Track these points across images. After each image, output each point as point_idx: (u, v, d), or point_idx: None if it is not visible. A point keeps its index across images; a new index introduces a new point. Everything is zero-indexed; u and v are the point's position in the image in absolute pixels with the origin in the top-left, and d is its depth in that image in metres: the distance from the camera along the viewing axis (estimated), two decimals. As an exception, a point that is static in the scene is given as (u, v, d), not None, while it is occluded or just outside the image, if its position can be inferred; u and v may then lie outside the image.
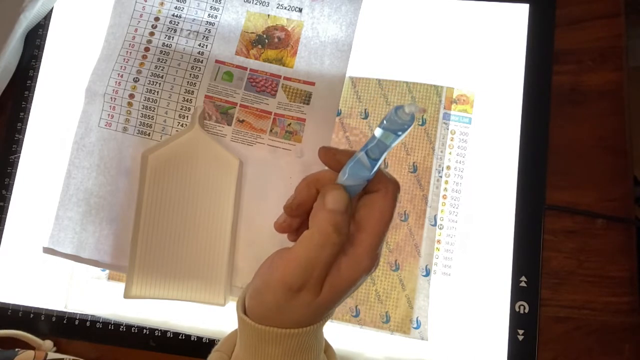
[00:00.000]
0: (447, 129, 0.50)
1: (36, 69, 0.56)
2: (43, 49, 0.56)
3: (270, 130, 0.50)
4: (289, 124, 0.50)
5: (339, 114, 0.51)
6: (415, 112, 0.29)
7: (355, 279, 0.32)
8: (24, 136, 0.55)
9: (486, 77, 0.50)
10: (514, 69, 0.50)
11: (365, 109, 0.51)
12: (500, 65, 0.50)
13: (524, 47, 0.51)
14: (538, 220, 0.48)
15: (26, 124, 0.55)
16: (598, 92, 0.49)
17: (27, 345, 0.50)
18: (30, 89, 0.56)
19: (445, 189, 0.49)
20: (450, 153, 0.49)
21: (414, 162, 0.49)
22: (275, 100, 0.50)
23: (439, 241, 0.48)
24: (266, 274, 0.33)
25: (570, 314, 0.47)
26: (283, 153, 0.50)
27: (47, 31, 0.57)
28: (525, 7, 0.51)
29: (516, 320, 0.47)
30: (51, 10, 0.57)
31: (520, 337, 0.47)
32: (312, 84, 0.51)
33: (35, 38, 0.57)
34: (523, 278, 0.47)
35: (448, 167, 0.49)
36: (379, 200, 0.32)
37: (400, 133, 0.30)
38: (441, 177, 0.49)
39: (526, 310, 0.47)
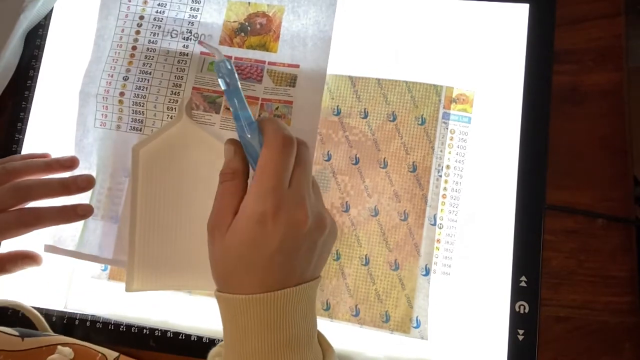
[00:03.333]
0: (447, 129, 0.50)
1: (36, 69, 0.56)
2: (43, 49, 0.57)
3: (259, 115, 0.50)
4: (277, 108, 0.50)
5: (338, 113, 0.51)
6: (213, 52, 0.40)
7: (246, 222, 0.36)
8: (24, 136, 0.55)
9: (486, 77, 0.50)
10: (514, 69, 0.50)
11: (365, 109, 0.51)
12: (500, 65, 0.50)
13: (524, 47, 0.51)
14: (538, 220, 0.48)
15: (26, 124, 0.55)
16: (598, 92, 0.49)
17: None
18: (30, 89, 0.56)
19: (445, 189, 0.49)
20: (449, 152, 0.49)
21: (413, 162, 0.49)
22: (262, 85, 0.51)
23: (438, 240, 0.48)
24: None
25: (570, 314, 0.47)
26: None
27: (47, 31, 0.57)
28: (525, 7, 0.51)
29: (516, 320, 0.47)
30: (51, 10, 0.57)
31: (520, 337, 0.46)
32: (297, 66, 0.51)
33: (35, 38, 0.57)
34: (523, 278, 0.47)
35: (448, 167, 0.49)
36: (262, 153, 0.37)
37: (221, 77, 0.41)
38: (441, 176, 0.49)
39: (526, 310, 0.47)
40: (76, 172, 0.51)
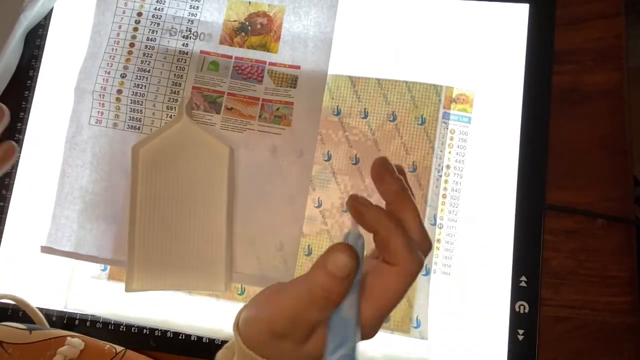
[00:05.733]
0: (447, 129, 0.50)
1: (36, 69, 0.56)
2: (43, 49, 0.56)
3: (260, 116, 0.50)
4: (277, 109, 0.50)
5: (338, 113, 0.51)
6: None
7: None
8: (24, 136, 0.55)
9: (486, 77, 0.50)
10: (514, 69, 0.50)
11: (365, 109, 0.51)
12: (500, 65, 0.50)
13: (524, 47, 0.51)
14: (538, 220, 0.48)
15: (26, 124, 0.55)
16: (598, 92, 0.49)
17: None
18: (30, 89, 0.56)
19: (445, 189, 0.49)
20: (449, 152, 0.49)
21: (413, 162, 0.49)
22: (262, 86, 0.51)
23: (438, 240, 0.48)
24: (259, 309, 0.32)
25: (570, 314, 0.47)
26: (274, 137, 0.50)
27: (47, 31, 0.57)
28: (525, 7, 0.51)
29: (516, 320, 0.47)
30: (51, 10, 0.57)
31: (520, 337, 0.46)
32: (298, 67, 0.51)
33: (35, 38, 0.57)
34: (523, 278, 0.47)
35: (448, 167, 0.49)
36: (393, 277, 0.29)
37: None
38: (441, 176, 0.49)
39: (526, 310, 0.47)
40: (69, 169, 0.51)
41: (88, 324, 0.51)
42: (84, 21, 0.55)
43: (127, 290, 0.48)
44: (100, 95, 0.52)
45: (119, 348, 0.48)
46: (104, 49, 0.53)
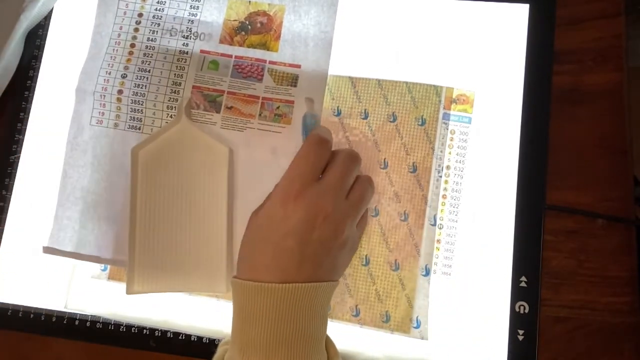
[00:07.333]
0: (447, 129, 0.50)
1: (36, 69, 0.56)
2: (43, 49, 0.56)
3: (260, 115, 0.51)
4: (278, 107, 0.51)
5: (338, 114, 0.51)
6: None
7: (272, 202, 0.41)
8: (24, 136, 0.55)
9: (486, 77, 0.50)
10: (514, 69, 0.50)
11: (365, 109, 0.51)
12: (500, 65, 0.50)
13: (524, 47, 0.51)
14: (538, 220, 0.48)
15: (26, 124, 0.55)
16: (598, 92, 0.49)
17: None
18: (30, 89, 0.56)
19: (445, 189, 0.49)
20: (450, 153, 0.49)
21: (413, 162, 0.49)
22: (262, 84, 0.51)
23: (438, 241, 0.48)
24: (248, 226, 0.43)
25: (570, 314, 0.47)
26: (274, 136, 0.50)
27: (47, 31, 0.57)
28: (525, 7, 0.51)
29: (516, 320, 0.47)
30: (51, 10, 0.57)
31: (520, 337, 0.47)
32: (298, 66, 0.51)
33: (35, 38, 0.57)
34: (523, 278, 0.47)
35: (448, 167, 0.49)
36: (301, 146, 0.43)
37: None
38: (441, 177, 0.49)
39: (526, 310, 0.47)
40: (70, 170, 0.51)
41: (88, 324, 0.51)
42: (84, 21, 0.55)
43: (128, 292, 0.48)
44: (101, 95, 0.52)
45: None
46: (105, 50, 0.53)
